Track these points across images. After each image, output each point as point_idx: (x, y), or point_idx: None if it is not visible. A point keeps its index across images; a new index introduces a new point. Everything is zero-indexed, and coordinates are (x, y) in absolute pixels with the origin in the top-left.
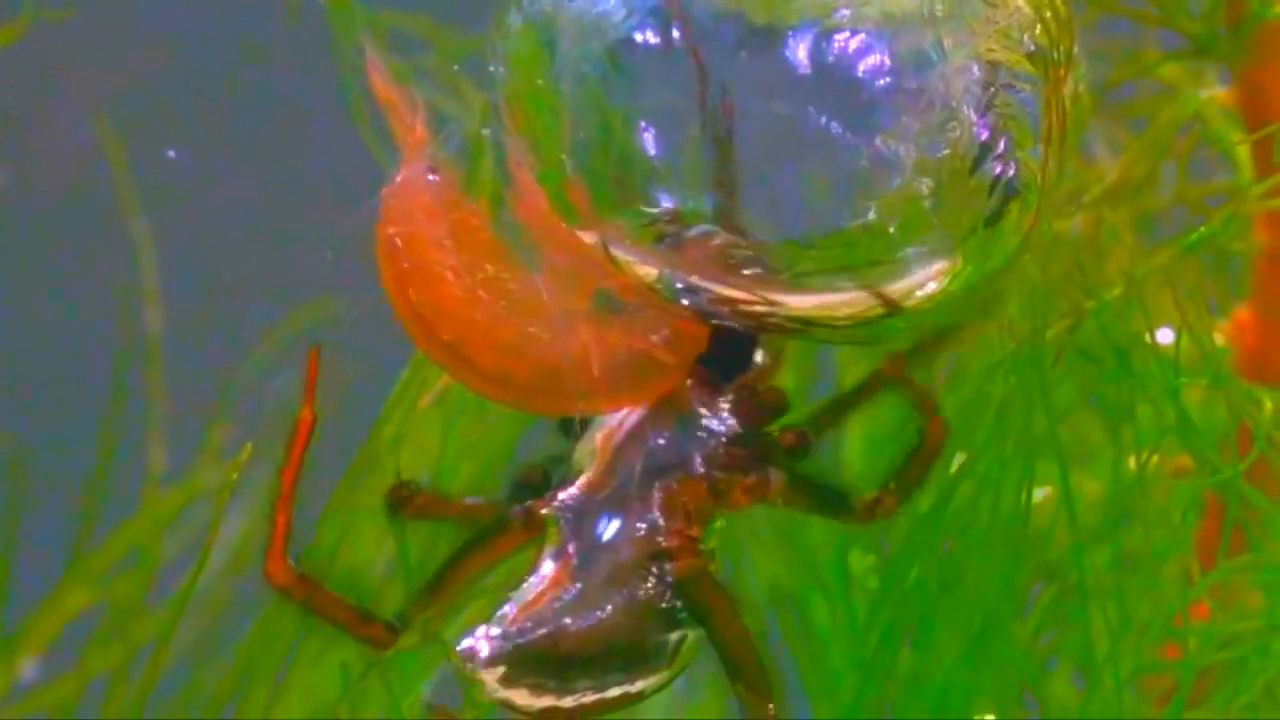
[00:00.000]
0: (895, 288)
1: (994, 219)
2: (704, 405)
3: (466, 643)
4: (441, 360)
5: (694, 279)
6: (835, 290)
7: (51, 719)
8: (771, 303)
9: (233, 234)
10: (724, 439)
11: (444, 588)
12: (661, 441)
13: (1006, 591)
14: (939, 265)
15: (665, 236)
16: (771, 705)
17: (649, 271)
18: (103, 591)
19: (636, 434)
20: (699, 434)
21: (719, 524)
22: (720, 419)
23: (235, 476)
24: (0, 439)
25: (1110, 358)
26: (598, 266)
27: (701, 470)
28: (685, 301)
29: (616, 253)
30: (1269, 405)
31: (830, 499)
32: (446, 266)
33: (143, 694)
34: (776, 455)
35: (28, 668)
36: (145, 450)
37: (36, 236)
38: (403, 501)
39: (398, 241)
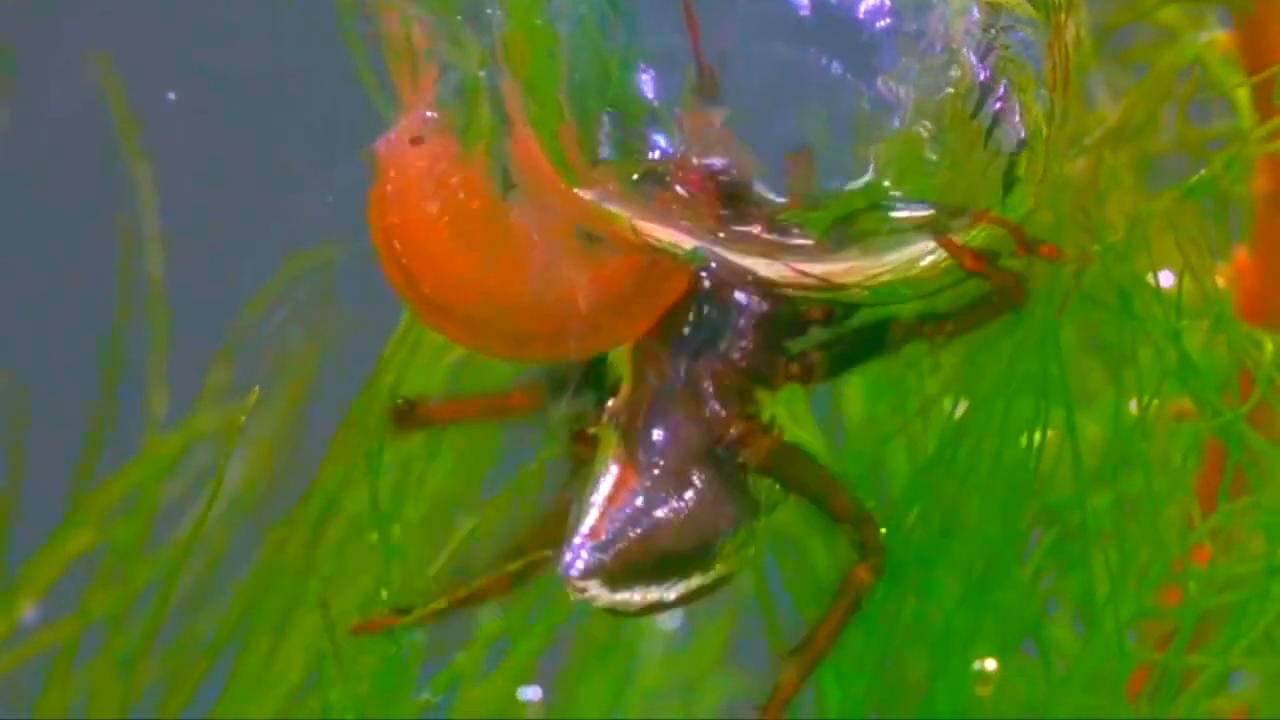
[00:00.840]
0: (905, 254)
1: (1009, 181)
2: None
3: (565, 559)
4: (422, 310)
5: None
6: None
7: (51, 662)
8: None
9: (233, 177)
10: (755, 318)
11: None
12: (690, 329)
13: (1007, 535)
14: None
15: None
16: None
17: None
18: (103, 535)
19: (668, 327)
20: (729, 315)
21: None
22: (747, 298)
23: (243, 420)
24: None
25: (1112, 301)
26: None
27: (736, 354)
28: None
29: (613, 208)
30: (1270, 348)
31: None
32: (434, 218)
33: (146, 638)
34: (808, 327)
35: (28, 611)
36: (146, 393)
37: (36, 179)
38: (406, 414)
39: (389, 191)
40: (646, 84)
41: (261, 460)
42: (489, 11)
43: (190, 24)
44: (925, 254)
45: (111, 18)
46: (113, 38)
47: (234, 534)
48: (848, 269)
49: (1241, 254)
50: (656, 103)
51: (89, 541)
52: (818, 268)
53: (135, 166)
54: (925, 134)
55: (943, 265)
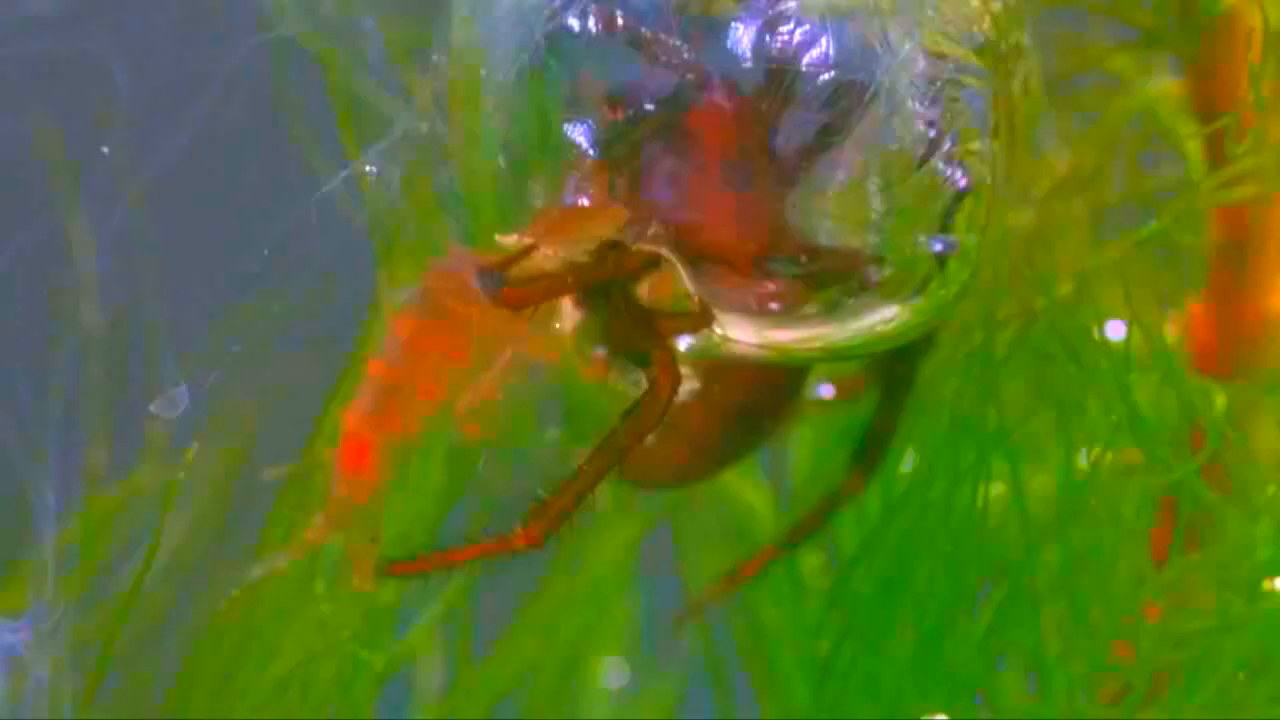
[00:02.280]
0: (853, 327)
1: (947, 219)
2: None
3: None
4: None
5: None
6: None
7: None
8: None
9: (170, 231)
10: None
11: None
12: None
13: (957, 591)
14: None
15: None
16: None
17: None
18: (41, 591)
19: None
20: None
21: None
22: None
23: (181, 479)
24: None
25: (1061, 353)
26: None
27: None
28: None
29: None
30: (1221, 400)
31: None
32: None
33: (85, 695)
34: None
35: None
36: (83, 450)
37: None
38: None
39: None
40: (584, 132)
41: (201, 517)
42: (435, 58)
43: (128, 72)
44: (888, 319)
45: (51, 69)
46: (48, 90)
47: (173, 592)
48: (816, 335)
49: (1194, 304)
50: (592, 151)
51: (26, 599)
52: (788, 334)
53: (70, 217)
54: (872, 186)
55: (895, 326)
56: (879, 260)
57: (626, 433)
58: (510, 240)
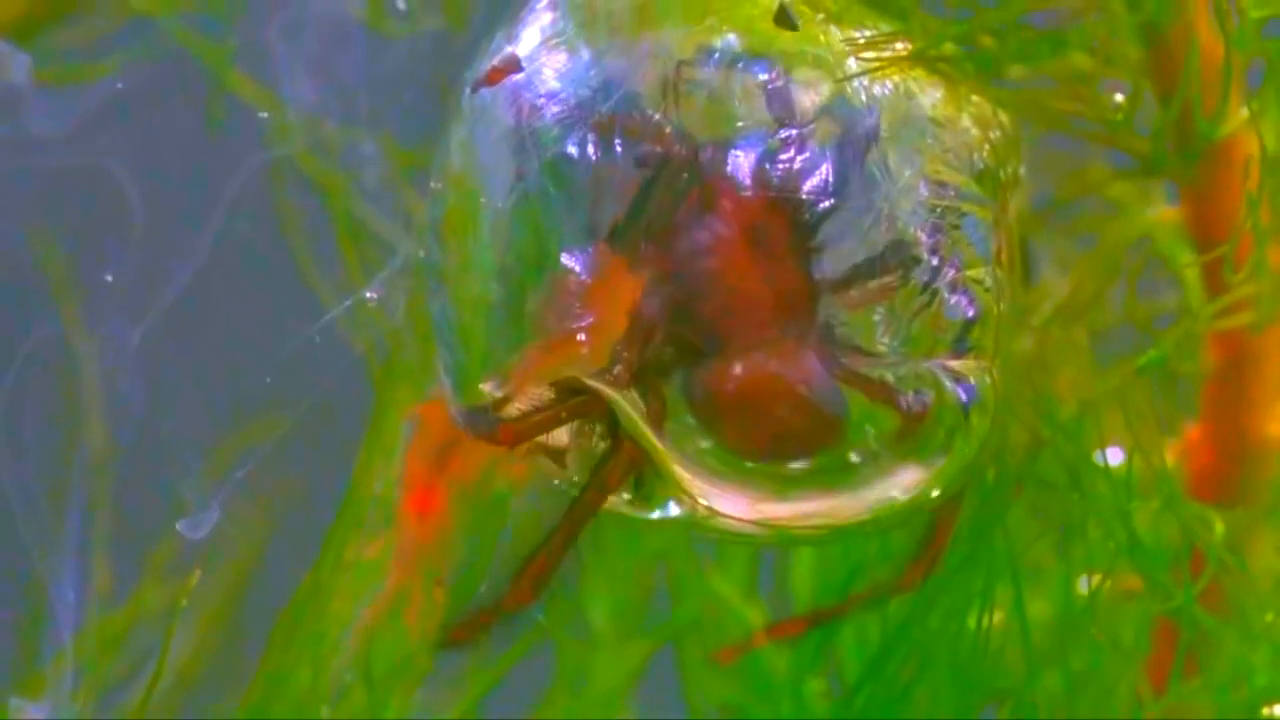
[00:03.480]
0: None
1: (958, 347)
2: None
3: None
4: None
5: None
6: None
7: None
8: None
9: (176, 350)
10: None
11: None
12: None
13: (959, 714)
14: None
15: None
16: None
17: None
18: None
19: None
20: None
21: None
22: None
23: (184, 602)
24: None
25: (1061, 479)
26: None
27: None
28: None
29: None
30: (1220, 527)
31: None
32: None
33: None
34: None
35: None
36: (90, 568)
37: None
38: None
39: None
40: (585, 261)
41: (207, 635)
42: (433, 184)
43: (128, 188)
44: (901, 491)
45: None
46: (49, 204)
47: (179, 712)
48: (823, 509)
49: (1192, 430)
50: (590, 278)
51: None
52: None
53: (75, 335)
54: (876, 316)
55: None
56: (897, 398)
57: (595, 489)
58: (489, 388)
